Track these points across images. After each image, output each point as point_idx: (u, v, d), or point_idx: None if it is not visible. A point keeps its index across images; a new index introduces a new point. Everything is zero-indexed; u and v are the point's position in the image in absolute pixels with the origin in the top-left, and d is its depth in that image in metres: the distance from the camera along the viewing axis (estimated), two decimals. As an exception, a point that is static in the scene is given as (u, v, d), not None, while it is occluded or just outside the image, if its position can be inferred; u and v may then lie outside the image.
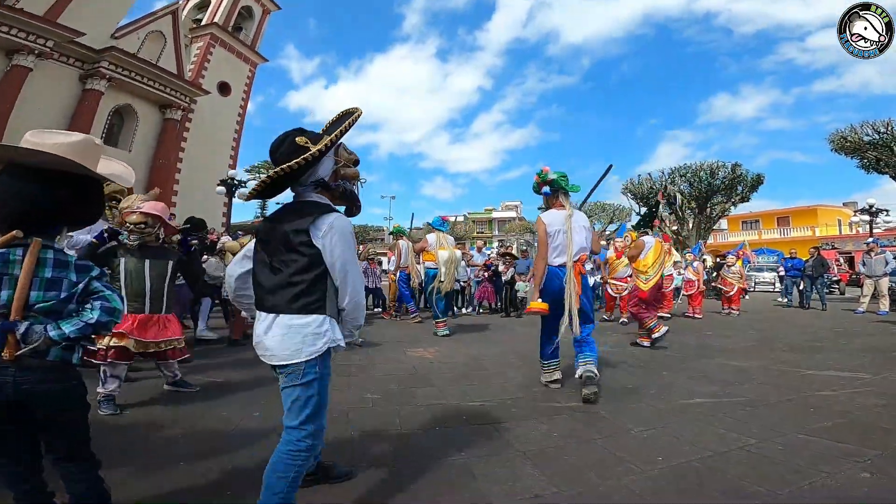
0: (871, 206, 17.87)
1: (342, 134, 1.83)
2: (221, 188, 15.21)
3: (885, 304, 10.27)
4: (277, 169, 1.73)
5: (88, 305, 1.63)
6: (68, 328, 1.55)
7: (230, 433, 2.89)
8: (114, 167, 1.80)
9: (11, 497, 1.66)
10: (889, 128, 18.82)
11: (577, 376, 3.77)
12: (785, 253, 15.80)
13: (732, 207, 25.47)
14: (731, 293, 10.52)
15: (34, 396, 1.55)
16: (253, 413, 3.25)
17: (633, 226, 8.28)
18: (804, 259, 12.33)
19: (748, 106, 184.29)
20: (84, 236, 4.43)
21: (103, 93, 17.37)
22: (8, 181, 1.55)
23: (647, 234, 6.47)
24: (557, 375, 4.09)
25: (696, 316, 9.47)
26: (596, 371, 3.70)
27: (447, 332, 6.93)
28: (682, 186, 24.63)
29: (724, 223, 36.03)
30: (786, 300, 13.18)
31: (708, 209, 24.79)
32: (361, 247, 9.50)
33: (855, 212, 22.97)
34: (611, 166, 4.50)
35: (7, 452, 1.62)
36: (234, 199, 15.62)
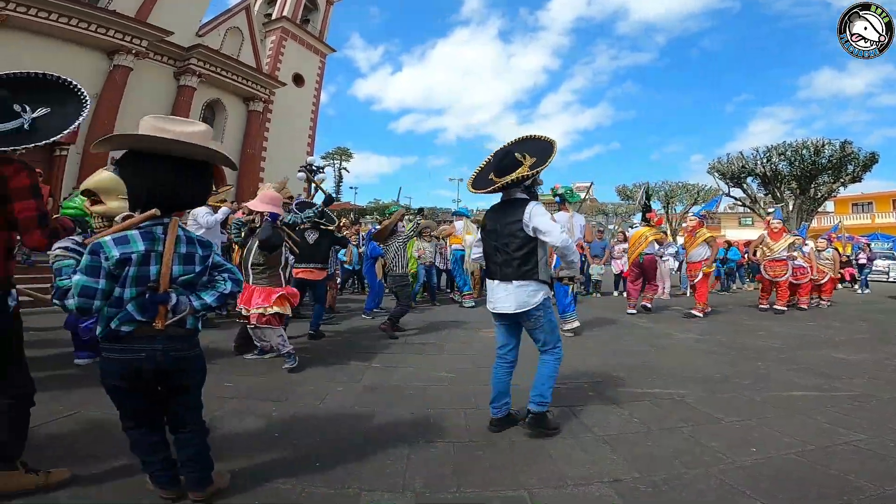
0: None
1: (548, 164, 2.52)
2: (302, 174, 16.01)
3: None
4: (514, 177, 2.51)
5: (219, 277, 1.83)
6: (209, 298, 1.76)
7: (319, 406, 3.03)
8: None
9: (140, 467, 1.82)
10: None
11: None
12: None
13: (841, 188, 22.77)
14: (823, 281, 8.90)
15: (178, 363, 1.72)
16: (337, 388, 3.40)
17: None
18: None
19: (857, 81, 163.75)
20: (213, 216, 5.54)
21: (195, 88, 18.70)
22: (142, 166, 1.69)
23: (633, 225, 7.82)
24: (575, 325, 5.51)
25: (802, 306, 8.20)
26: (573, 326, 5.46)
27: (472, 304, 7.99)
28: (780, 165, 22.43)
29: (830, 205, 32.39)
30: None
31: (812, 190, 22.34)
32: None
33: None
34: (591, 183, 6.91)
35: (149, 420, 1.78)
36: (312, 185, 16.34)
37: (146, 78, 16.97)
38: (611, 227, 30.81)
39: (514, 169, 2.51)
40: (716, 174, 25.43)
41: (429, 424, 2.73)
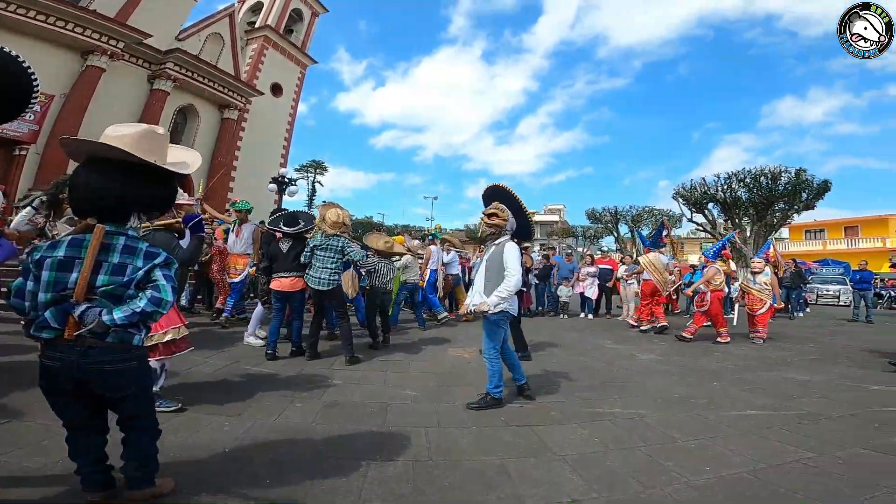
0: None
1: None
2: (273, 186, 15.77)
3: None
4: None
5: (142, 293, 1.68)
6: (118, 314, 1.61)
7: (275, 422, 2.96)
8: (178, 154, 1.92)
9: (74, 469, 1.77)
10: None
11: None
12: (853, 265, 14.59)
13: (795, 215, 23.93)
14: (760, 311, 7.29)
15: (94, 374, 1.64)
16: (296, 405, 3.32)
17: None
18: (875, 272, 11.24)
19: (816, 109, 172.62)
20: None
21: (169, 93, 18.32)
22: (82, 173, 1.71)
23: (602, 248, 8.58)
24: (444, 316, 8.04)
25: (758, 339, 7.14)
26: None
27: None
28: (739, 192, 23.44)
29: (785, 232, 33.95)
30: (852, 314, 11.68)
31: (768, 216, 23.36)
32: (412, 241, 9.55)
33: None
34: (563, 206, 8.78)
35: (81, 424, 1.75)
36: (284, 197, 16.10)
37: (118, 80, 16.48)
38: (580, 249, 31.50)
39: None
40: (680, 200, 26.32)
41: (389, 443, 2.69)
